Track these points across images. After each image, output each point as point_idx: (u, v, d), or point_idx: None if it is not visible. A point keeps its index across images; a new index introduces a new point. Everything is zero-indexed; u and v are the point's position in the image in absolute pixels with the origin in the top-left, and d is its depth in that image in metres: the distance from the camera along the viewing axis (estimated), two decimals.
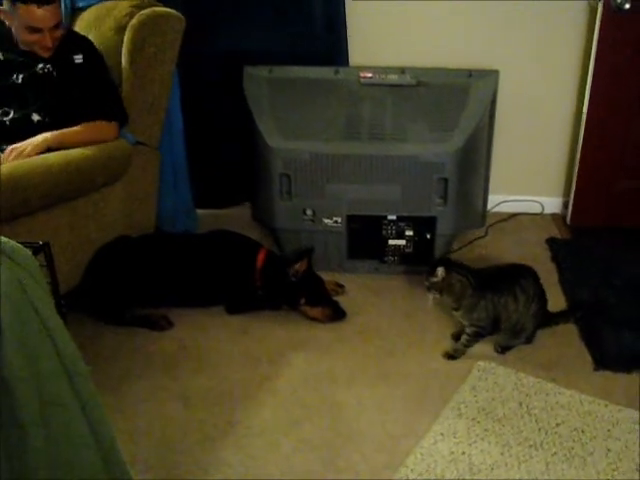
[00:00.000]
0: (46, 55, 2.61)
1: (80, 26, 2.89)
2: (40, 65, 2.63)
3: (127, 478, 1.51)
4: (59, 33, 2.61)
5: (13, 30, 2.58)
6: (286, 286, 2.71)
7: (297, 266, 2.69)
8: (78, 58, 2.67)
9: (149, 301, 2.75)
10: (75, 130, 2.58)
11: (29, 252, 1.33)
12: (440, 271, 2.35)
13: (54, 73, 2.65)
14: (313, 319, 2.72)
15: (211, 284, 2.78)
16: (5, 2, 2.50)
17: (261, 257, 2.77)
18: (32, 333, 1.24)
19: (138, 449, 2.05)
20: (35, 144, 2.45)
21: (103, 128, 2.66)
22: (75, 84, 2.67)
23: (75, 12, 2.97)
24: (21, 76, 2.62)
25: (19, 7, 2.45)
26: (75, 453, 1.30)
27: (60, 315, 1.35)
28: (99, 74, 2.72)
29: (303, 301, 2.71)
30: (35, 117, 2.62)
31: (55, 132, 2.52)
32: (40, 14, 2.47)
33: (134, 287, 2.70)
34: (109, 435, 1.42)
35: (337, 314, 2.72)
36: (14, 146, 2.44)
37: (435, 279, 2.36)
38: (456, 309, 2.41)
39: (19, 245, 1.30)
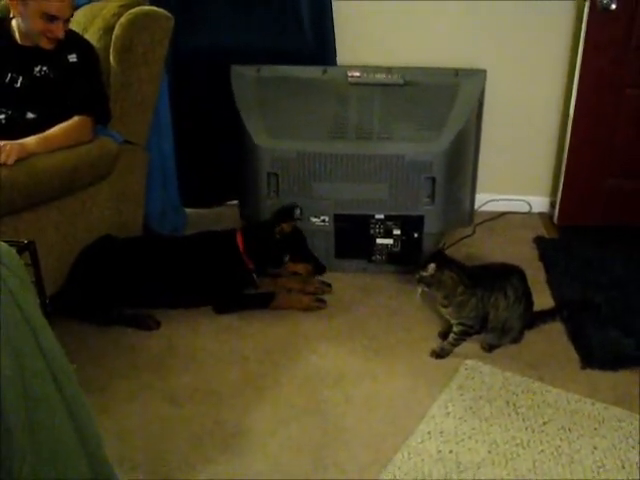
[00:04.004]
0: (50, 47, 2.60)
1: (73, 27, 2.88)
2: (37, 68, 2.64)
3: (113, 478, 1.50)
4: (67, 27, 2.62)
5: (16, 22, 2.60)
6: (272, 247, 2.79)
7: (284, 225, 2.78)
8: (72, 57, 2.67)
9: (135, 301, 2.74)
10: (55, 135, 2.53)
11: (14, 251, 1.32)
12: (431, 267, 2.35)
13: (51, 75, 2.65)
14: (294, 274, 2.88)
15: (202, 282, 2.78)
16: None
17: (240, 239, 2.80)
18: (16, 332, 1.23)
19: (125, 448, 2.04)
20: (18, 152, 2.33)
21: (78, 127, 2.62)
22: (69, 83, 2.66)
23: None
24: (20, 80, 2.63)
25: None
26: (59, 452, 1.30)
27: (45, 314, 1.35)
28: (88, 72, 2.71)
29: (287, 258, 2.82)
30: (30, 115, 2.62)
31: (40, 141, 2.46)
32: (60, 3, 2.49)
33: (118, 287, 2.69)
34: (94, 434, 1.41)
35: (317, 269, 2.87)
36: (2, 143, 2.34)
37: (425, 273, 2.37)
38: (445, 306, 2.41)
39: (4, 244, 1.30)
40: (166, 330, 2.66)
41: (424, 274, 2.38)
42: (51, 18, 2.51)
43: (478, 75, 3.12)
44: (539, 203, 3.73)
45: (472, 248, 3.29)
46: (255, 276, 2.83)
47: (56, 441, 1.29)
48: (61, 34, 2.57)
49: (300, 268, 2.85)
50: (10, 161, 2.27)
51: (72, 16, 2.63)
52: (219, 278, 2.79)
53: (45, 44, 2.59)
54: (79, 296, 2.65)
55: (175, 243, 2.94)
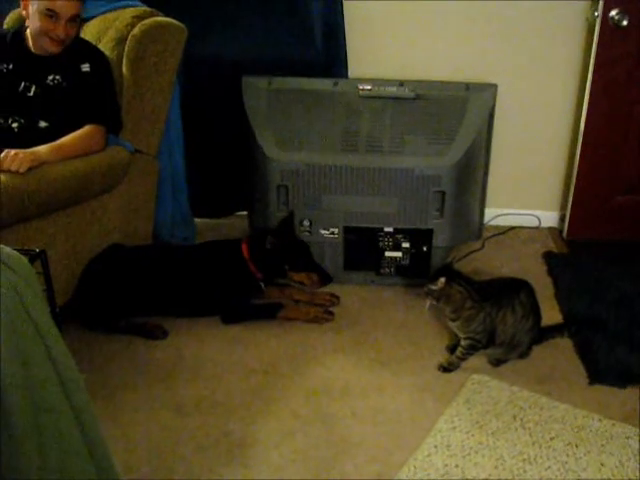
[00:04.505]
0: (56, 50, 2.62)
1: (86, 38, 2.90)
2: (50, 77, 2.66)
3: None
4: (74, 30, 2.64)
5: (29, 29, 2.62)
6: (269, 256, 2.78)
7: (269, 238, 2.77)
8: (85, 67, 2.70)
9: (143, 310, 2.74)
10: (67, 144, 2.55)
11: (25, 259, 1.33)
12: (441, 281, 2.35)
13: (64, 84, 2.68)
14: (300, 283, 2.86)
15: (210, 290, 2.78)
16: None
17: (245, 247, 2.81)
18: (26, 340, 1.24)
19: (131, 458, 2.04)
20: (30, 161, 2.34)
21: (91, 136, 2.64)
22: (82, 92, 2.69)
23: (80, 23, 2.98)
24: (33, 89, 2.66)
25: None
26: (67, 461, 1.30)
27: (55, 323, 1.35)
28: (100, 81, 2.74)
29: (287, 267, 2.81)
30: (42, 124, 2.65)
31: (53, 149, 2.48)
32: (62, 0, 2.52)
33: (127, 295, 2.70)
34: (102, 443, 1.42)
35: (323, 279, 2.83)
36: (15, 151, 2.35)
37: (434, 287, 2.37)
38: (454, 320, 2.41)
39: (15, 252, 1.31)
40: (174, 340, 2.66)
41: (433, 288, 2.38)
42: (53, 15, 2.53)
43: (489, 89, 3.12)
44: (548, 218, 3.73)
45: (481, 262, 3.29)
46: (263, 285, 2.84)
47: (64, 449, 1.30)
48: (62, 34, 2.58)
49: (303, 278, 2.83)
50: (22, 169, 2.28)
51: (79, 17, 2.64)
52: (227, 286, 2.80)
53: (50, 46, 2.61)
54: (88, 305, 2.66)
55: (183, 252, 2.95)
